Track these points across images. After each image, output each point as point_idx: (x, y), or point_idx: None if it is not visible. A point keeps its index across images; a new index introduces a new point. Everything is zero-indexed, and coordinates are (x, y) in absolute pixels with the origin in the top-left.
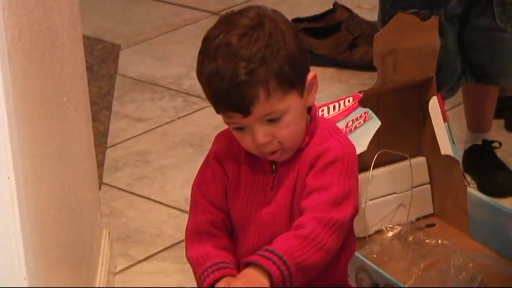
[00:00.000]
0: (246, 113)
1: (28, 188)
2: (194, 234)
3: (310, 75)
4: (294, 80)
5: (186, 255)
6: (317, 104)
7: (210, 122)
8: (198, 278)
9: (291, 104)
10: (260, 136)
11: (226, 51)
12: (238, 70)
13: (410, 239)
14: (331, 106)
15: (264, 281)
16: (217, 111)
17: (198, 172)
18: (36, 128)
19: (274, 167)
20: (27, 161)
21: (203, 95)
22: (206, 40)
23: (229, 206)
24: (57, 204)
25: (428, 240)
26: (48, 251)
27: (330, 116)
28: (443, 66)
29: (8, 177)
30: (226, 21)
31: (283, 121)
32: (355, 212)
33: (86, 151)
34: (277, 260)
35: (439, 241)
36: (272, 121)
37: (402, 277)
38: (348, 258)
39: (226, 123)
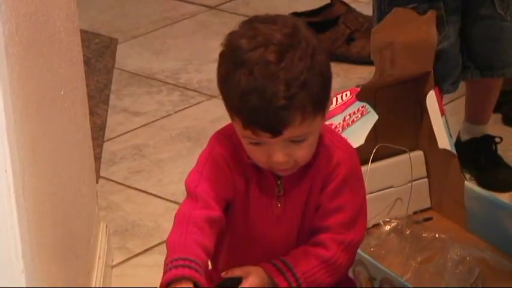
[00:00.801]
0: (278, 134)
1: (25, 182)
2: (183, 222)
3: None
4: (324, 103)
5: (167, 238)
6: None
7: (207, 116)
8: (166, 264)
9: (317, 127)
10: (279, 156)
11: (265, 69)
12: (278, 93)
13: (408, 232)
14: None
15: None
16: (244, 127)
17: (195, 169)
18: (34, 122)
19: (279, 181)
20: (24, 155)
21: (200, 89)
22: (238, 50)
23: (235, 218)
24: (55, 197)
25: (426, 234)
26: (45, 244)
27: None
28: (447, 59)
29: (5, 171)
30: (259, 33)
31: (305, 142)
32: (365, 226)
33: (83, 145)
34: (293, 281)
35: (436, 235)
36: (295, 142)
37: (399, 271)
38: None
39: (243, 136)
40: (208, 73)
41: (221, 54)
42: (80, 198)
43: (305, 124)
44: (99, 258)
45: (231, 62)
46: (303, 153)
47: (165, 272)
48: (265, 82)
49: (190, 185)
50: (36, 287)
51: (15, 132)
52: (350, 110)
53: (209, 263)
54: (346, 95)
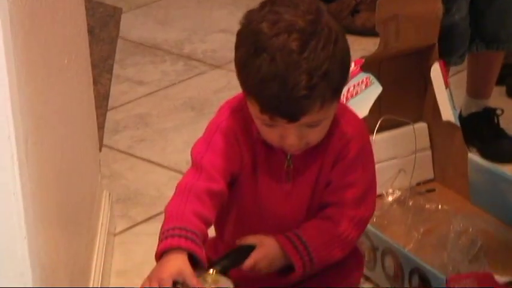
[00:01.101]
0: (295, 121)
1: (28, 149)
2: (184, 192)
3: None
4: (342, 88)
5: (166, 206)
6: None
7: (211, 86)
8: (162, 232)
9: (332, 111)
10: (293, 139)
11: (287, 58)
12: (300, 83)
13: (411, 203)
14: None
15: (282, 262)
16: (261, 112)
17: (204, 138)
18: (37, 89)
19: (288, 157)
20: (27, 122)
21: (204, 59)
22: (259, 34)
23: (243, 193)
24: (58, 165)
25: (429, 205)
26: (48, 211)
27: None
28: (458, 32)
29: (9, 137)
30: (282, 18)
31: (319, 126)
32: (375, 201)
33: (87, 113)
34: (305, 255)
35: (439, 206)
36: (310, 126)
37: (402, 241)
38: None
39: (257, 117)
40: (212, 43)
41: (239, 34)
42: (83, 166)
43: (322, 111)
44: (101, 225)
45: (252, 46)
46: (315, 136)
47: (161, 240)
48: (287, 71)
49: (196, 156)
50: (37, 254)
51: (19, 98)
52: (354, 81)
53: (214, 233)
54: (352, 66)
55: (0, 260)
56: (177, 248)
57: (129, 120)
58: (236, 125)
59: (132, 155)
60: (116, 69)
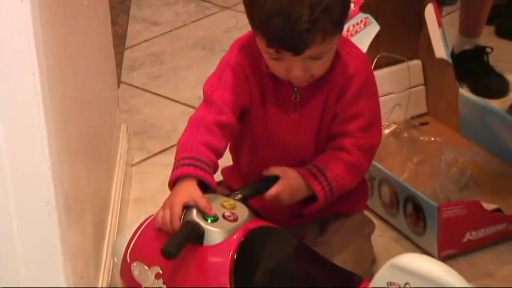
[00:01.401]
0: (299, 53)
1: (52, 84)
2: (195, 125)
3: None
4: (343, 23)
5: (180, 138)
6: None
7: (221, 26)
8: (174, 162)
9: (335, 44)
10: (298, 71)
11: None
12: (303, 17)
13: (405, 136)
14: None
15: (304, 193)
16: (268, 45)
17: (215, 74)
18: (59, 28)
19: (295, 89)
20: (50, 60)
21: (214, 1)
22: None
23: (253, 124)
24: (79, 100)
25: (422, 137)
26: (70, 143)
27: None
28: None
29: (33, 74)
30: None
31: (323, 59)
32: (381, 130)
33: (106, 52)
34: (326, 184)
35: (432, 138)
36: (313, 59)
37: (397, 171)
38: None
39: (265, 51)
40: None
41: None
42: (103, 102)
43: (325, 44)
44: (120, 157)
45: None
46: (319, 68)
47: (173, 169)
48: (291, 6)
49: (208, 90)
50: (61, 184)
51: (42, 36)
52: (354, 20)
53: (231, 161)
54: (351, 6)
55: (26, 189)
56: (187, 176)
57: (145, 58)
58: (245, 60)
59: (147, 91)
60: (133, 10)
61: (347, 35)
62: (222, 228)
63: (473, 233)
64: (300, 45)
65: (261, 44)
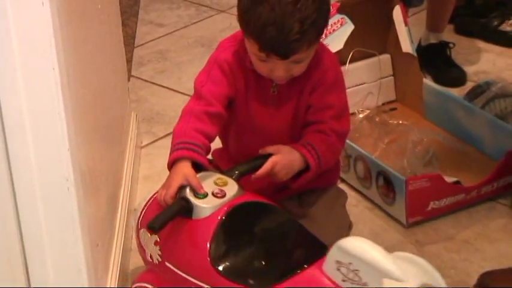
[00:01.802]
0: (286, 58)
1: (70, 77)
2: (187, 115)
3: None
4: (322, 33)
5: (174, 127)
6: None
7: (217, 27)
8: (171, 148)
9: (314, 51)
10: (281, 72)
11: (284, 7)
12: (293, 29)
13: (377, 119)
14: None
15: (299, 165)
16: (260, 50)
17: (205, 70)
18: (76, 28)
19: (274, 84)
20: (69, 55)
21: (212, 5)
22: None
23: (238, 113)
24: (94, 91)
25: (391, 121)
26: (86, 128)
27: None
28: None
29: (53, 68)
30: None
31: (303, 62)
32: (349, 120)
33: (117, 50)
34: (316, 158)
35: (400, 121)
36: (296, 62)
37: (370, 150)
38: None
39: (254, 54)
40: None
41: None
42: (115, 93)
43: (308, 51)
44: (130, 140)
45: None
46: (299, 69)
47: (170, 153)
48: (284, 19)
49: (198, 85)
50: (78, 163)
51: (61, 37)
52: (331, 21)
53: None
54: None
55: (48, 168)
56: (182, 158)
57: (151, 55)
58: (230, 57)
59: (154, 83)
60: (141, 13)
61: (326, 33)
62: (209, 204)
63: (436, 202)
64: (288, 52)
65: (252, 48)
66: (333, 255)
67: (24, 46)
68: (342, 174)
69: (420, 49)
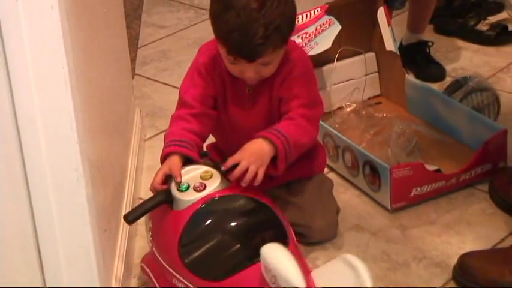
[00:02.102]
0: (252, 61)
1: (78, 76)
2: (175, 120)
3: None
4: (289, 37)
5: (165, 134)
6: None
7: None
8: (163, 148)
9: (281, 54)
10: (251, 73)
11: (249, 14)
12: (258, 34)
13: (363, 113)
14: (304, 15)
15: (268, 148)
16: (228, 53)
17: (187, 75)
18: (84, 30)
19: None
20: (77, 55)
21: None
22: None
23: (220, 110)
24: (101, 88)
25: (376, 114)
26: (94, 123)
27: (303, 23)
28: None
29: (62, 67)
30: None
31: (271, 64)
32: (323, 109)
33: (122, 50)
34: (280, 135)
35: (384, 114)
36: (264, 64)
37: (357, 141)
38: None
39: (225, 57)
40: None
41: None
42: (120, 90)
43: (273, 54)
44: (135, 133)
45: (222, 3)
46: (268, 71)
47: (162, 151)
48: (249, 24)
49: (181, 92)
50: (86, 155)
51: (70, 38)
52: (320, 21)
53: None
54: (318, 10)
55: (58, 159)
56: (171, 153)
57: (154, 55)
58: (208, 60)
59: (157, 81)
60: (144, 16)
61: (315, 33)
62: (187, 197)
63: (419, 189)
64: (253, 55)
65: (222, 51)
66: (262, 258)
67: (35, 47)
68: (331, 164)
69: (402, 48)
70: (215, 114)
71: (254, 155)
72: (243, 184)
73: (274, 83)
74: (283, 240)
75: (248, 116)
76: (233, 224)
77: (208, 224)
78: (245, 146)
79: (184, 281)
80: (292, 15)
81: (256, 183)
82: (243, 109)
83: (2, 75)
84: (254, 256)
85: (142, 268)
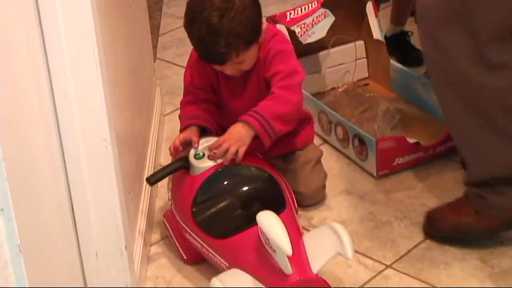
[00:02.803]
0: (222, 65)
1: (107, 58)
2: (184, 104)
3: (263, 26)
4: (255, 38)
5: (179, 115)
6: (291, 7)
7: None
8: (181, 124)
9: (252, 52)
10: (229, 71)
11: (210, 27)
12: (219, 44)
13: (353, 93)
14: (303, 7)
15: (245, 130)
16: (200, 58)
17: (188, 67)
18: (112, 19)
19: None
20: (106, 40)
21: None
22: (192, 11)
23: (217, 94)
24: (127, 70)
25: (365, 94)
26: (121, 99)
27: (302, 14)
28: None
29: (93, 51)
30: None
31: (246, 62)
32: (303, 75)
33: (145, 37)
34: (256, 115)
35: (371, 94)
36: (238, 63)
37: (347, 116)
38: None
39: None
40: None
41: (187, 5)
42: (144, 71)
43: (240, 57)
44: (156, 109)
45: (188, 17)
46: (246, 66)
47: (181, 126)
48: (209, 37)
49: (185, 82)
50: (114, 127)
51: (99, 24)
52: (317, 13)
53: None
54: (315, 4)
55: (89, 130)
56: (188, 125)
57: (173, 42)
58: (197, 54)
59: (175, 64)
60: (164, 8)
61: (312, 24)
62: (202, 164)
63: (401, 158)
64: (220, 61)
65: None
66: (258, 222)
67: (70, 34)
68: (325, 137)
69: (386, 39)
70: (216, 99)
71: (234, 137)
72: (225, 163)
73: (258, 66)
74: (280, 207)
75: (241, 100)
76: (238, 190)
77: (218, 188)
78: (228, 131)
79: (194, 236)
80: (253, 20)
81: (237, 161)
82: (235, 94)
83: (41, 58)
84: (254, 219)
85: (163, 222)
